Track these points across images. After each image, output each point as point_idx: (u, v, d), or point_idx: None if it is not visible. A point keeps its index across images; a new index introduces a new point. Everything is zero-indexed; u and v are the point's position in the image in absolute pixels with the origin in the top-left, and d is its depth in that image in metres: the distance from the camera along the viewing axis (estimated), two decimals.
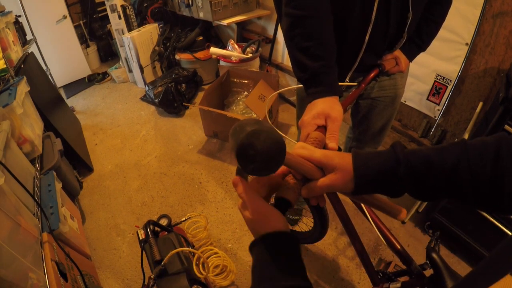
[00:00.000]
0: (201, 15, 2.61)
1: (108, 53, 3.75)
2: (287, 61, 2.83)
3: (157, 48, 2.97)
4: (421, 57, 1.10)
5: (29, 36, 2.39)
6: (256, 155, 0.38)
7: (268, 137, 0.39)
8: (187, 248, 1.08)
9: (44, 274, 1.02)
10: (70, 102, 3.02)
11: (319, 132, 0.67)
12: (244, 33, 3.02)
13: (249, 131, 0.38)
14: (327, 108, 0.70)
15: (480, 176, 0.39)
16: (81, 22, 3.45)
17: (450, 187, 0.41)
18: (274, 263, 0.40)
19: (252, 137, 0.38)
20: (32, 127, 1.57)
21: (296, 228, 1.63)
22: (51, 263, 1.06)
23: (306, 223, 1.60)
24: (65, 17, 3.09)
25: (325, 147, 0.66)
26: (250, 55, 2.53)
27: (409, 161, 0.42)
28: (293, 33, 0.78)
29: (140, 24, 3.05)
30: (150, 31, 2.91)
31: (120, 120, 2.71)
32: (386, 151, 0.45)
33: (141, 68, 2.94)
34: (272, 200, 0.51)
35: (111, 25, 3.10)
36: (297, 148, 0.49)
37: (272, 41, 2.74)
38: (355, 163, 0.44)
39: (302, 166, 0.46)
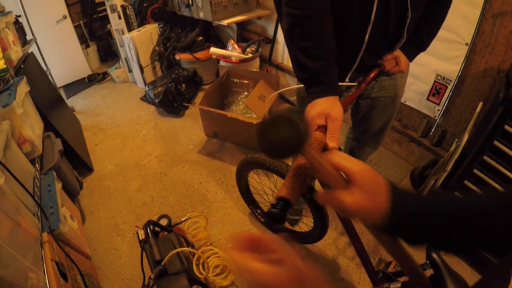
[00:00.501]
0: (201, 15, 2.61)
1: (108, 53, 3.75)
2: (287, 61, 2.83)
3: (157, 48, 2.97)
4: (421, 57, 1.10)
5: (29, 36, 2.39)
6: (274, 138, 0.42)
7: (288, 123, 0.41)
8: (187, 248, 1.08)
9: (44, 274, 1.02)
10: (70, 102, 3.02)
11: (319, 132, 0.67)
12: (244, 33, 3.02)
13: (275, 115, 0.42)
14: (327, 108, 0.71)
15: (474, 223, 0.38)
16: (81, 22, 3.44)
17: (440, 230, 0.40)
18: None
19: (273, 120, 0.42)
20: (32, 127, 1.57)
21: (296, 228, 1.63)
22: (51, 263, 1.06)
23: (306, 223, 1.60)
24: (65, 17, 3.09)
25: (325, 147, 0.66)
26: (250, 55, 2.53)
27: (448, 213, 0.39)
28: (292, 33, 0.78)
29: (140, 24, 3.05)
30: (150, 31, 2.90)
31: (120, 120, 2.71)
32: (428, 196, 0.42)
33: (141, 68, 2.94)
34: (273, 200, 0.51)
35: (111, 25, 3.10)
36: (332, 153, 0.45)
37: (272, 41, 2.74)
38: (394, 196, 0.40)
39: (323, 167, 0.44)
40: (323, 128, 0.69)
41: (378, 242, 0.84)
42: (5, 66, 1.68)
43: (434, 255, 0.73)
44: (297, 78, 0.84)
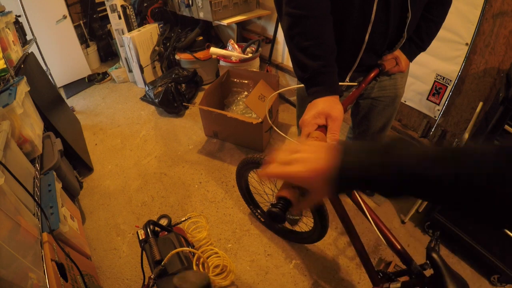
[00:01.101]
0: (201, 15, 2.61)
1: (108, 53, 3.75)
2: (287, 61, 2.83)
3: (157, 48, 2.97)
4: (421, 57, 1.10)
5: (29, 36, 2.39)
6: None
7: None
8: (187, 248, 1.08)
9: (44, 274, 1.02)
10: (70, 102, 3.02)
11: (319, 132, 0.67)
12: (244, 33, 3.02)
13: None
14: (328, 107, 0.71)
15: (481, 189, 0.36)
16: (81, 22, 3.45)
17: (446, 199, 0.39)
18: None
19: None
20: (32, 127, 1.57)
21: (296, 228, 1.63)
22: (51, 263, 1.06)
23: (306, 223, 1.60)
24: (65, 17, 3.09)
25: None
26: (250, 55, 2.53)
27: (402, 181, 0.40)
28: (293, 33, 0.78)
29: (140, 24, 3.05)
30: (150, 31, 2.90)
31: (120, 120, 2.71)
32: (376, 164, 0.42)
33: (141, 68, 2.94)
34: (273, 200, 0.50)
35: (111, 25, 3.10)
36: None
37: (272, 41, 2.75)
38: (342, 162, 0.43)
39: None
40: (324, 128, 0.69)
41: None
42: (5, 66, 1.68)
43: (434, 255, 0.73)
44: (297, 78, 0.84)
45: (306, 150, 0.46)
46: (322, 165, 0.43)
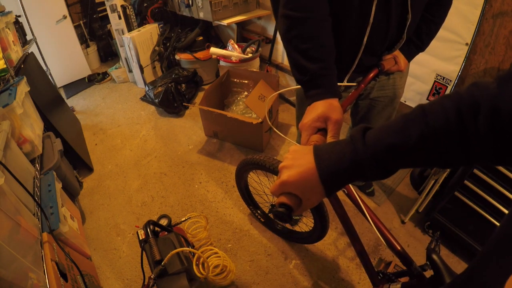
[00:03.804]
0: (201, 15, 2.61)
1: (108, 53, 3.74)
2: (287, 61, 2.83)
3: (157, 48, 2.97)
4: (421, 57, 1.10)
5: (29, 36, 2.39)
6: None
7: None
8: (187, 248, 1.08)
9: (44, 274, 1.02)
10: (70, 102, 3.02)
11: (319, 135, 0.67)
12: (244, 33, 3.02)
13: None
14: (327, 110, 0.70)
15: (446, 139, 0.38)
16: (81, 22, 3.45)
17: (419, 159, 0.41)
18: None
19: None
20: (32, 127, 1.57)
21: (296, 228, 1.63)
22: (51, 263, 1.06)
23: (306, 223, 1.60)
24: (65, 17, 3.09)
25: None
26: (250, 55, 2.53)
27: (373, 159, 0.41)
28: (290, 35, 0.77)
29: (140, 24, 3.05)
30: (150, 31, 2.90)
31: (120, 120, 2.71)
32: (346, 152, 0.43)
33: (141, 68, 2.94)
34: (273, 200, 0.51)
35: (111, 25, 3.10)
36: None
37: (272, 41, 2.74)
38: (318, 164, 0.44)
39: None
40: (324, 131, 0.69)
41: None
42: (5, 66, 1.68)
43: (434, 256, 0.73)
44: (295, 80, 0.84)
45: (289, 157, 0.48)
46: (304, 169, 0.45)
